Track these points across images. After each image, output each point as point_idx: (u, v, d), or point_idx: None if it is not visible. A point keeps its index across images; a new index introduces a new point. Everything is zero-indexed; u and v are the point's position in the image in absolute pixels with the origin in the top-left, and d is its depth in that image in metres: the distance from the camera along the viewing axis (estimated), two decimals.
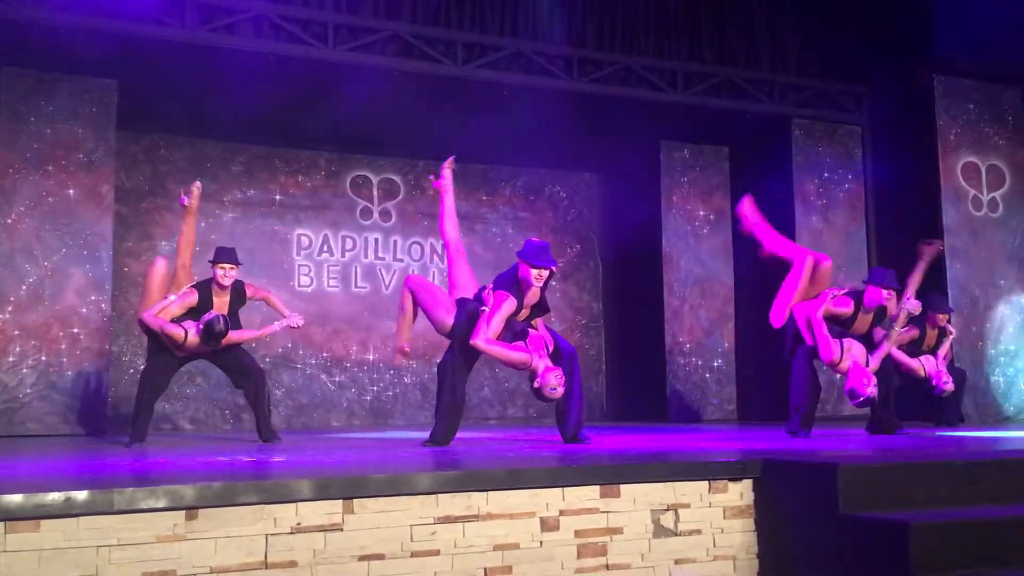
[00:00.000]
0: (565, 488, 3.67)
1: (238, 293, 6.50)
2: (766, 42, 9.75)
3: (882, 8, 9.64)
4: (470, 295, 5.58)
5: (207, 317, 6.05)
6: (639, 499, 3.78)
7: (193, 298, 6.25)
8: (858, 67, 9.86)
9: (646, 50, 9.25)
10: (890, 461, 3.97)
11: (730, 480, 3.94)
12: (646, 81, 9.22)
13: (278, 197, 9.96)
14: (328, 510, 3.30)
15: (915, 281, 6.75)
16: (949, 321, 7.89)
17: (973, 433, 6.62)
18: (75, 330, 7.89)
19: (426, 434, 5.58)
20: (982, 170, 9.61)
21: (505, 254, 10.16)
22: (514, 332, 5.44)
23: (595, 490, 3.72)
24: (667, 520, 3.81)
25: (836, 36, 9.83)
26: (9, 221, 7.83)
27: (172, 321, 6.11)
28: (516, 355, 5.36)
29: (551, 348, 5.52)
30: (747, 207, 6.59)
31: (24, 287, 7.81)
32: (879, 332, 6.36)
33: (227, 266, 6.41)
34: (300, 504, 3.27)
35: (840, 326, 6.13)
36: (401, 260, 10.40)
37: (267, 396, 6.61)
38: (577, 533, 3.65)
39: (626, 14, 9.20)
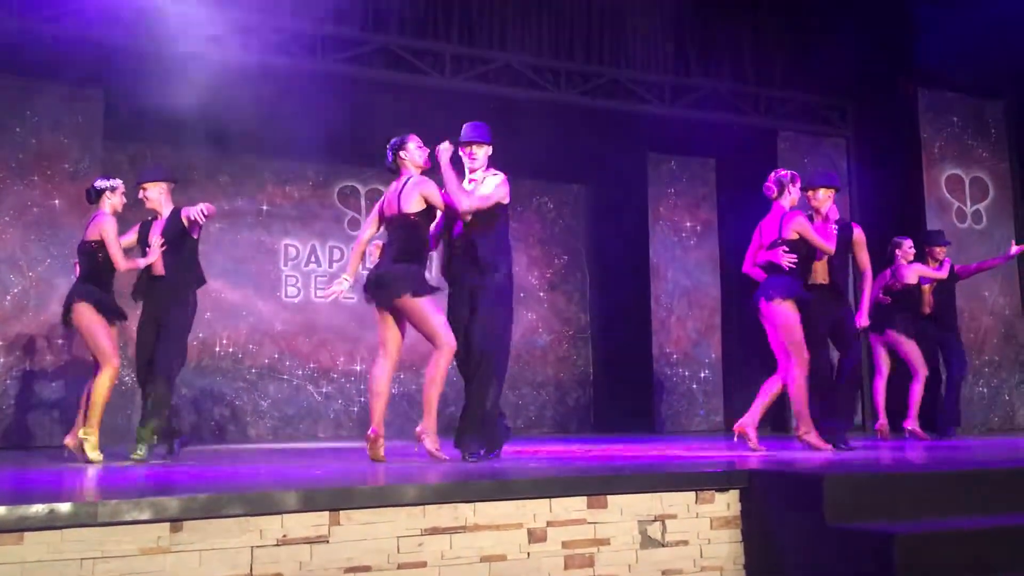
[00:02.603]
0: (552, 499, 3.66)
1: (175, 217, 5.79)
2: (752, 55, 9.82)
3: (866, 22, 9.72)
4: None
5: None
6: (626, 510, 3.78)
7: (133, 236, 5.88)
8: (843, 80, 9.94)
9: (633, 63, 9.31)
10: (876, 472, 3.99)
11: (717, 491, 3.94)
12: (633, 93, 9.27)
13: (265, 207, 9.94)
14: (314, 522, 3.29)
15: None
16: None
17: (958, 444, 6.64)
18: (60, 341, 7.83)
19: (413, 446, 5.46)
20: (966, 182, 9.69)
21: None
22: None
23: (582, 501, 3.72)
24: (654, 531, 3.81)
25: (821, 49, 9.90)
26: None
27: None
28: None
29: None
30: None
31: (8, 297, 7.76)
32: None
33: (145, 186, 5.82)
34: (286, 516, 3.25)
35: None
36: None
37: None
38: (564, 544, 3.65)
39: (613, 27, 9.26)
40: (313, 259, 10.12)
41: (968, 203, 9.65)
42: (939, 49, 9.17)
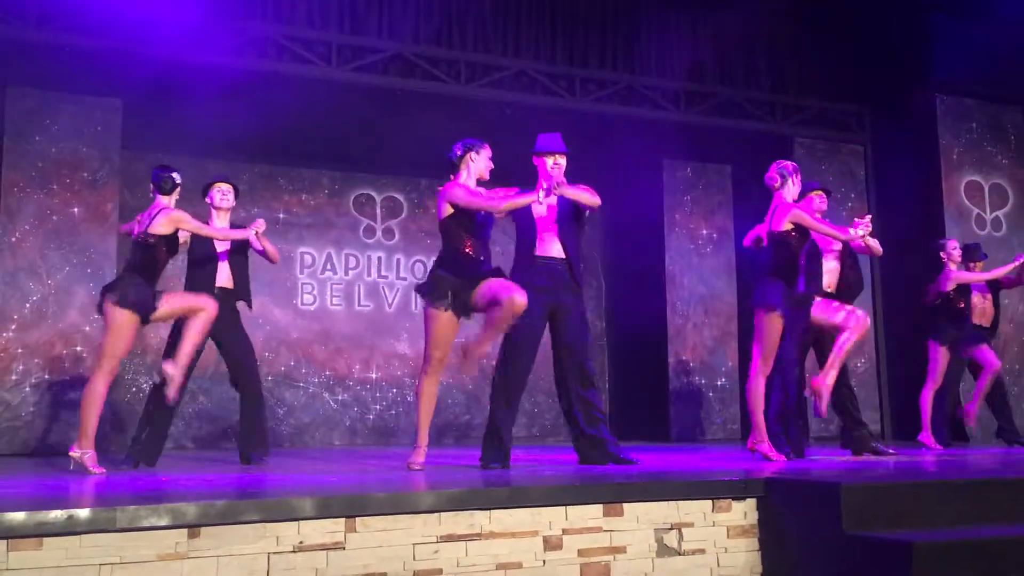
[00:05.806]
0: (568, 507, 3.66)
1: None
2: (767, 62, 9.80)
3: (883, 28, 9.69)
4: None
5: None
6: (642, 518, 3.77)
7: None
8: (859, 86, 9.90)
9: (648, 69, 9.30)
10: (894, 480, 3.96)
11: (734, 499, 3.93)
12: (648, 100, 9.26)
13: (281, 216, 9.98)
14: (330, 528, 3.29)
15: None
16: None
17: (977, 452, 6.59)
18: (78, 348, 7.89)
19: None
20: (985, 189, 9.62)
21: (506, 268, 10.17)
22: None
23: (598, 509, 3.71)
24: (671, 539, 3.80)
25: (837, 56, 9.88)
26: (13, 240, 7.85)
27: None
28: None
29: None
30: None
31: (28, 305, 7.83)
32: None
33: (225, 186, 5.98)
34: (302, 522, 3.26)
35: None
36: (404, 278, 10.41)
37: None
38: (580, 552, 3.64)
39: (627, 33, 9.26)
40: (329, 267, 10.15)
41: (988, 210, 9.58)
42: (957, 55, 9.13)
